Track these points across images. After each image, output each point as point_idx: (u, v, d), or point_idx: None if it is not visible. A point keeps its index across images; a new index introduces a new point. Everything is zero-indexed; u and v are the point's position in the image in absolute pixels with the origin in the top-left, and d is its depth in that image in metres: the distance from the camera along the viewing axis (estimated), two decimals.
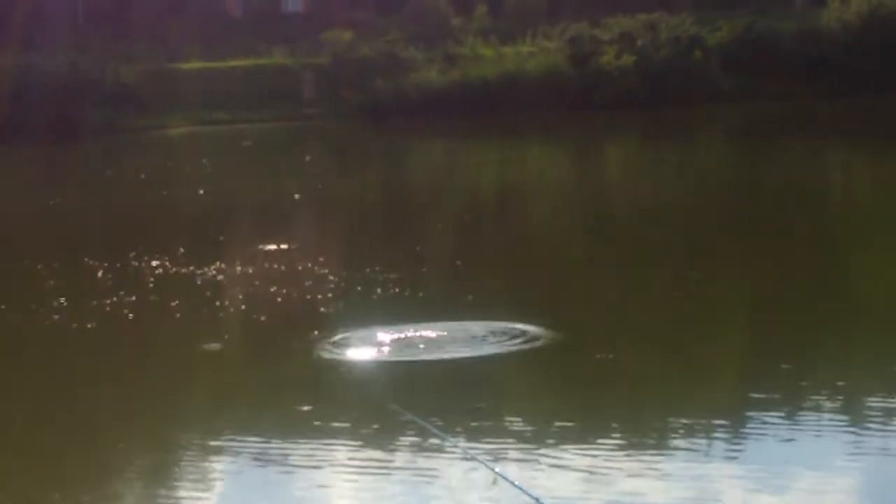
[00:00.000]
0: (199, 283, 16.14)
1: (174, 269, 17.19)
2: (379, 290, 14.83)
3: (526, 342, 11.79)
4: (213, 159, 39.02)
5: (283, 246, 18.95)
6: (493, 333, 12.16)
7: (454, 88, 52.28)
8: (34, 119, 47.54)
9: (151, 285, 16.15)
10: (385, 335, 12.34)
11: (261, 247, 18.90)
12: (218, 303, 14.87)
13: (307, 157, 40.05)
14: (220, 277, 16.54)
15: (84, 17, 65.11)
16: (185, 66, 58.88)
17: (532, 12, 59.23)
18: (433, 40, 56.66)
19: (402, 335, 12.30)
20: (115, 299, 15.15)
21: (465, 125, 47.15)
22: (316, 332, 12.72)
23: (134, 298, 15.23)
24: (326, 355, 11.84)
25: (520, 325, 12.27)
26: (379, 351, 11.88)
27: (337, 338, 12.41)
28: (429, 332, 12.33)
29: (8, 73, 50.55)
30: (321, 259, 17.42)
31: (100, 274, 17.08)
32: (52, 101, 48.86)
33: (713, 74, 50.88)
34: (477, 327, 12.44)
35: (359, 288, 15.10)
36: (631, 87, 50.37)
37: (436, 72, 53.89)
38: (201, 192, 28.14)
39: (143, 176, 33.37)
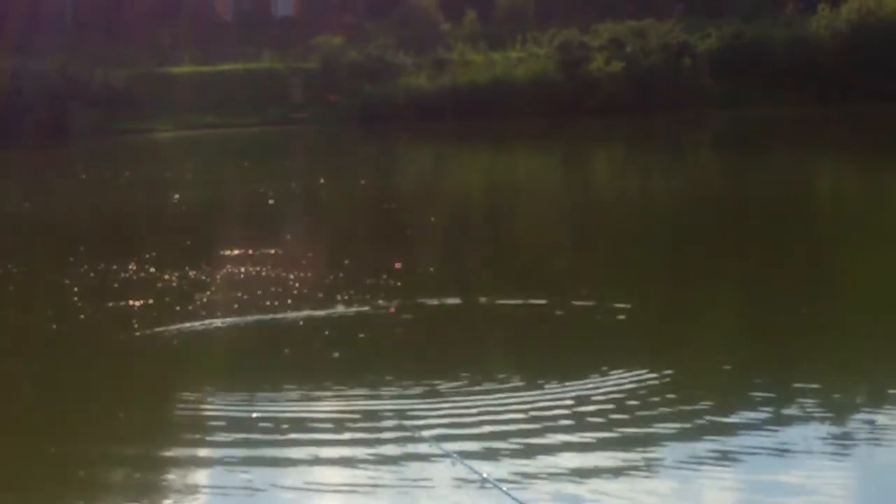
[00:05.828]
0: (159, 287, 15.96)
1: (136, 275, 17.01)
2: (334, 296, 14.68)
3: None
4: (197, 163, 38.87)
5: (250, 251, 18.80)
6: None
7: (443, 94, 52.26)
8: (23, 122, 47.44)
9: (113, 290, 15.97)
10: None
11: (225, 252, 18.76)
12: (179, 308, 14.66)
13: (288, 162, 39.93)
14: (183, 283, 16.35)
15: (74, 20, 65.02)
16: (176, 69, 58.80)
17: (521, 18, 59.23)
18: (423, 45, 56.63)
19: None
20: (72, 304, 14.98)
21: (454, 130, 47.05)
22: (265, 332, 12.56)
23: (91, 303, 15.05)
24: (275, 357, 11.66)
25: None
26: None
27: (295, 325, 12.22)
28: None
29: None
30: (286, 264, 17.26)
31: (66, 281, 16.89)
32: (41, 104, 48.78)
33: (702, 81, 50.86)
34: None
35: (320, 295, 14.92)
36: (620, 94, 50.35)
37: (425, 77, 53.83)
38: (176, 196, 27.96)
39: (121, 180, 33.19)
